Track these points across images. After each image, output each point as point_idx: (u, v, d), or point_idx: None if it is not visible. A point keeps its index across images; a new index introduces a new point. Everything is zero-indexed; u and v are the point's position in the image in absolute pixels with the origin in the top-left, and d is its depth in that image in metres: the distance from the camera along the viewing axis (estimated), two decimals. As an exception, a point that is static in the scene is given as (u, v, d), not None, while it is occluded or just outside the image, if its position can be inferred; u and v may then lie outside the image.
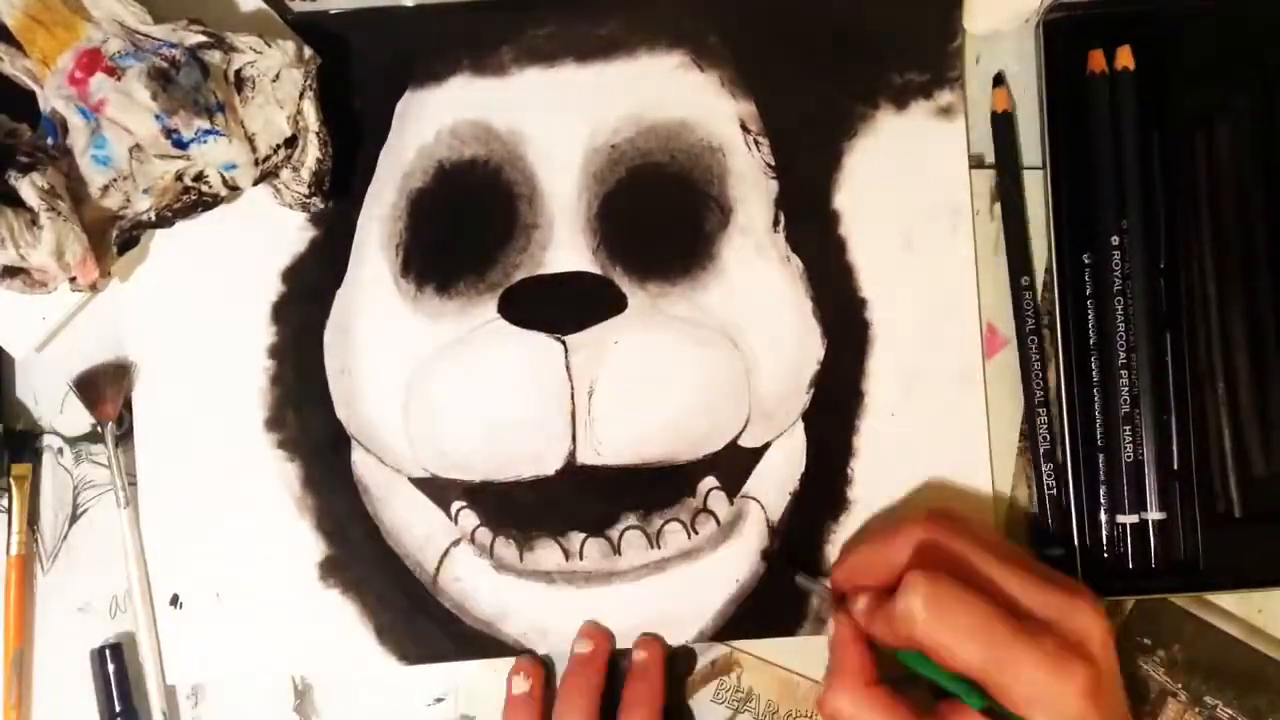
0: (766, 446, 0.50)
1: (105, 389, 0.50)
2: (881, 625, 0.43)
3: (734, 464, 0.50)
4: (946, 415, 0.50)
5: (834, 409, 0.50)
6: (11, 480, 0.50)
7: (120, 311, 0.51)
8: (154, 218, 0.46)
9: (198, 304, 0.50)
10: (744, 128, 0.50)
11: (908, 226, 0.50)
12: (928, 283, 0.50)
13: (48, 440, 0.51)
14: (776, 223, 0.50)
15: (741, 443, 0.50)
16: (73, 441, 0.51)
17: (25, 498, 0.50)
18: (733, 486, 0.50)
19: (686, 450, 0.50)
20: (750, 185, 0.50)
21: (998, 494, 0.50)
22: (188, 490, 0.50)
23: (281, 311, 0.50)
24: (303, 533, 0.50)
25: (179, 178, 0.45)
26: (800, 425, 0.50)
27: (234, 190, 0.47)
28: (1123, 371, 0.48)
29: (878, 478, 0.50)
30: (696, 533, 0.50)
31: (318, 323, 0.50)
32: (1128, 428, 0.48)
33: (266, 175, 0.47)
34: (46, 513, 0.51)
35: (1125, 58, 0.49)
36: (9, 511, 0.50)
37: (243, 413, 0.50)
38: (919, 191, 0.50)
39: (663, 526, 0.50)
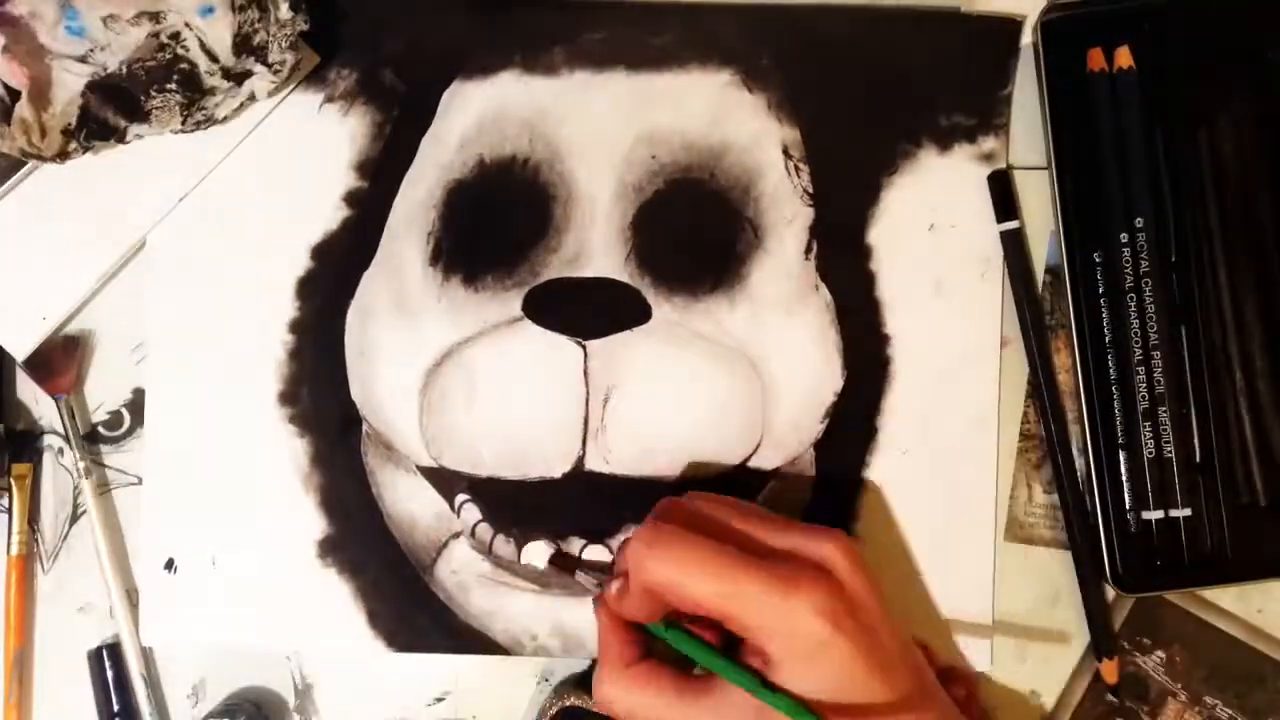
0: (775, 472, 0.50)
1: (56, 363, 0.50)
2: (631, 601, 0.42)
3: (741, 486, 0.50)
4: (957, 460, 0.50)
5: (846, 442, 0.50)
6: (12, 480, 0.50)
7: (145, 271, 0.51)
8: (125, 72, 0.46)
9: (224, 271, 0.50)
10: (786, 152, 0.50)
11: (938, 269, 0.50)
12: (953, 327, 0.50)
13: (48, 440, 0.51)
14: (809, 250, 0.50)
15: (750, 465, 0.50)
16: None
17: (25, 497, 0.50)
18: (739, 509, 0.50)
19: (695, 467, 0.50)
20: (786, 210, 0.50)
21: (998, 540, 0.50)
22: (194, 456, 0.50)
23: (307, 286, 0.51)
24: (306, 509, 0.50)
25: (154, 36, 0.46)
26: (811, 454, 0.50)
27: (213, 61, 0.47)
28: (1140, 368, 0.48)
29: (882, 515, 0.50)
30: (697, 551, 0.50)
31: (342, 302, 0.50)
32: (1148, 424, 0.48)
33: (245, 38, 0.47)
34: (46, 513, 0.51)
35: (1125, 58, 0.49)
36: (9, 511, 0.50)
37: (258, 384, 0.50)
38: (953, 235, 0.50)
39: (664, 541, 0.50)
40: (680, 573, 0.40)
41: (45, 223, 0.50)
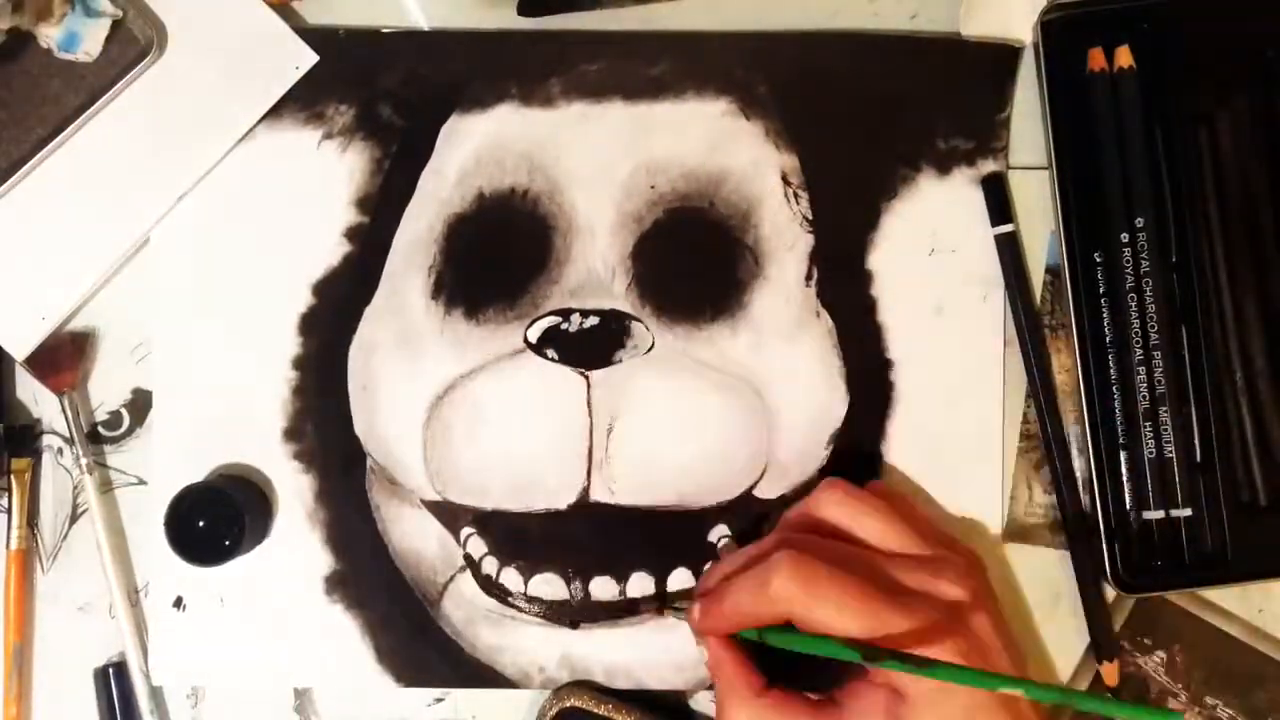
0: (781, 499, 0.50)
1: (61, 359, 0.50)
2: (749, 603, 0.42)
3: (747, 514, 0.50)
4: (962, 483, 0.50)
5: (851, 468, 0.50)
6: (11, 474, 0.50)
7: (146, 311, 0.51)
8: None
9: (227, 309, 0.51)
10: (785, 179, 0.50)
11: (940, 292, 0.50)
12: (955, 350, 0.50)
13: (48, 440, 0.51)
14: (809, 277, 0.50)
15: (756, 493, 0.50)
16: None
17: (25, 492, 0.50)
18: (745, 537, 0.50)
19: (700, 496, 0.50)
20: (786, 237, 0.50)
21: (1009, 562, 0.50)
22: (201, 493, 0.50)
23: (309, 323, 0.51)
24: (312, 546, 0.50)
25: None
26: (817, 481, 0.50)
27: None
28: (1140, 368, 0.48)
29: (890, 540, 0.50)
30: (704, 580, 0.50)
31: (344, 337, 0.51)
32: (1148, 424, 0.48)
33: None
34: (47, 512, 0.51)
35: (1124, 58, 0.49)
36: (9, 508, 0.50)
37: (262, 421, 0.50)
38: (954, 258, 0.50)
39: (670, 571, 0.50)
40: (830, 612, 0.40)
41: (45, 223, 0.50)
